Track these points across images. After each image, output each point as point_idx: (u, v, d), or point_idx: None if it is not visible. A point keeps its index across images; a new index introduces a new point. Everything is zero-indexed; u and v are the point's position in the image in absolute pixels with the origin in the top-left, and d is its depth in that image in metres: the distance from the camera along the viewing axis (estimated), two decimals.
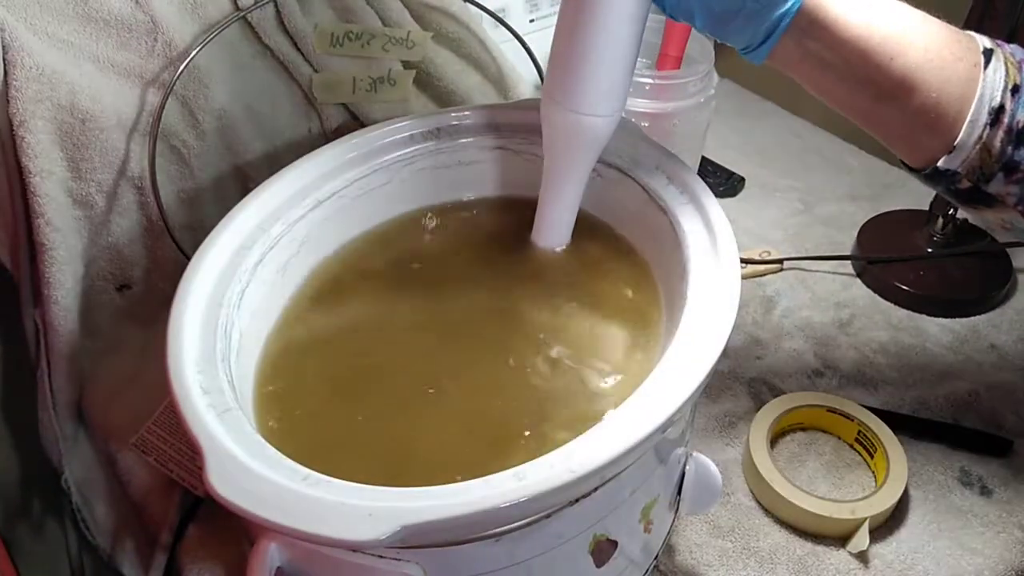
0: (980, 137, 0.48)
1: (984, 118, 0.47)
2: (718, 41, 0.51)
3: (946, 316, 0.76)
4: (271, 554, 0.37)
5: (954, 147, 0.48)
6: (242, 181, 0.71)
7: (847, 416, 0.64)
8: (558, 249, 0.56)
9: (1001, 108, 0.47)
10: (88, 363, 0.68)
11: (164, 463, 0.60)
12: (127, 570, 0.62)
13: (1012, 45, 0.50)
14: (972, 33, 0.50)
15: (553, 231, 0.56)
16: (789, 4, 0.46)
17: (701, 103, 0.74)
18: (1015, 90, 0.47)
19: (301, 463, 0.38)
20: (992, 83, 0.47)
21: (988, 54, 0.48)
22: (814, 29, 0.47)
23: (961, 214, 0.79)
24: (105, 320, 0.69)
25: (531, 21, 0.83)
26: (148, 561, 0.60)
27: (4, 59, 0.56)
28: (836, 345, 0.74)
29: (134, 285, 0.70)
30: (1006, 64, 0.48)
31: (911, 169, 0.52)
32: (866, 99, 0.50)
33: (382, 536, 0.34)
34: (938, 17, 0.49)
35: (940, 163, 0.49)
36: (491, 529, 0.37)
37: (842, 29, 0.47)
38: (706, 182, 0.51)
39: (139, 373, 0.68)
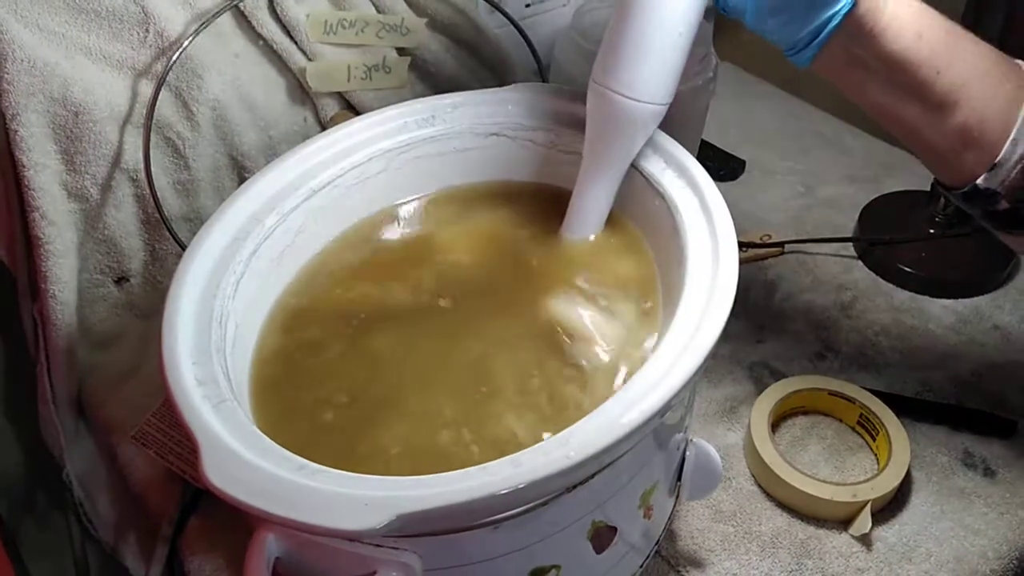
0: (1022, 156, 0.48)
1: None
2: (769, 39, 0.50)
3: (949, 297, 0.76)
4: (269, 544, 0.37)
5: (995, 164, 0.48)
6: (238, 172, 0.71)
7: (849, 399, 0.63)
8: (592, 238, 0.54)
9: None
10: (87, 356, 0.68)
11: (164, 455, 0.60)
12: (130, 563, 0.62)
13: None
14: (1018, 61, 0.50)
15: (586, 221, 0.54)
16: (839, 5, 0.46)
17: (699, 86, 0.74)
18: None
19: (297, 453, 0.38)
20: None
21: None
22: (863, 35, 0.47)
23: None
24: (104, 313, 0.69)
25: (527, 6, 0.82)
26: (150, 553, 0.60)
27: None
28: (838, 328, 0.73)
29: (132, 278, 0.70)
30: None
31: (948, 188, 0.52)
32: (910, 111, 0.49)
33: (378, 525, 0.33)
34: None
35: (980, 181, 0.49)
36: (488, 517, 0.37)
37: (892, 38, 0.47)
38: (705, 166, 0.51)
39: (139, 366, 0.68)
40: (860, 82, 0.50)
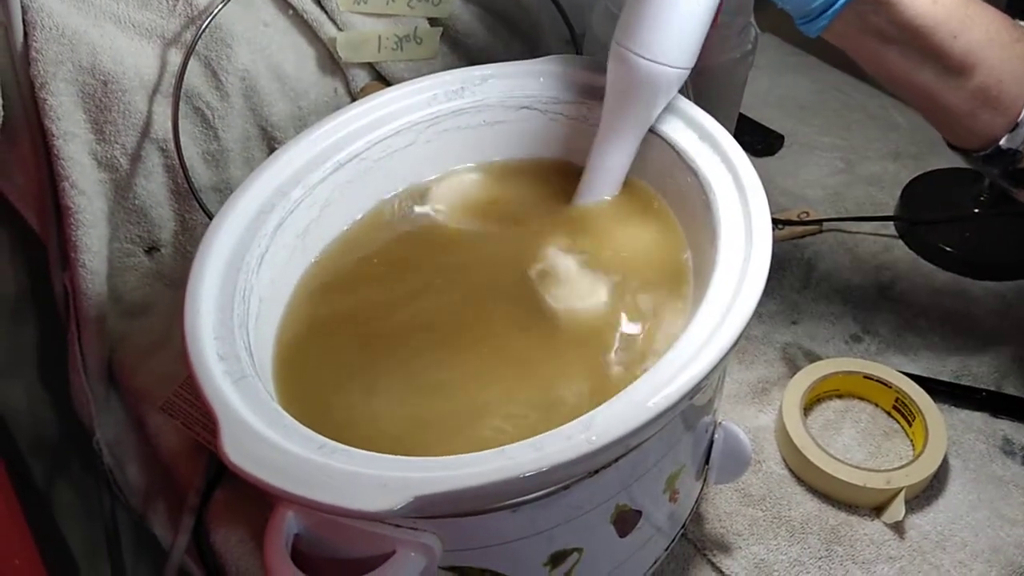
0: None
1: None
2: (781, 6, 0.50)
3: (992, 279, 0.74)
4: (288, 521, 0.37)
5: (1017, 124, 0.50)
6: (268, 142, 0.70)
7: (885, 383, 0.62)
8: (599, 200, 0.54)
9: None
10: (118, 325, 0.68)
11: (191, 426, 0.60)
12: (158, 531, 0.63)
13: None
14: (1020, 23, 0.51)
15: (598, 190, 0.54)
16: None
17: (738, 58, 0.72)
18: None
19: (319, 432, 0.37)
20: None
21: None
22: (879, 2, 0.47)
23: None
24: (134, 283, 0.69)
25: None
26: (177, 522, 0.60)
27: (24, 20, 0.56)
28: (876, 309, 0.71)
29: (163, 248, 0.70)
30: None
31: (965, 152, 0.53)
32: (927, 75, 0.50)
33: (395, 506, 0.33)
34: None
35: (1003, 142, 0.51)
36: (508, 500, 0.36)
37: (908, 4, 0.48)
38: (743, 140, 0.49)
39: (169, 336, 0.68)
40: (874, 49, 0.50)
